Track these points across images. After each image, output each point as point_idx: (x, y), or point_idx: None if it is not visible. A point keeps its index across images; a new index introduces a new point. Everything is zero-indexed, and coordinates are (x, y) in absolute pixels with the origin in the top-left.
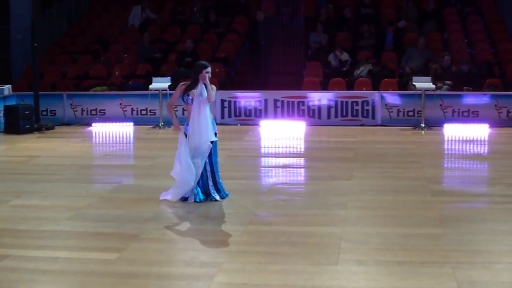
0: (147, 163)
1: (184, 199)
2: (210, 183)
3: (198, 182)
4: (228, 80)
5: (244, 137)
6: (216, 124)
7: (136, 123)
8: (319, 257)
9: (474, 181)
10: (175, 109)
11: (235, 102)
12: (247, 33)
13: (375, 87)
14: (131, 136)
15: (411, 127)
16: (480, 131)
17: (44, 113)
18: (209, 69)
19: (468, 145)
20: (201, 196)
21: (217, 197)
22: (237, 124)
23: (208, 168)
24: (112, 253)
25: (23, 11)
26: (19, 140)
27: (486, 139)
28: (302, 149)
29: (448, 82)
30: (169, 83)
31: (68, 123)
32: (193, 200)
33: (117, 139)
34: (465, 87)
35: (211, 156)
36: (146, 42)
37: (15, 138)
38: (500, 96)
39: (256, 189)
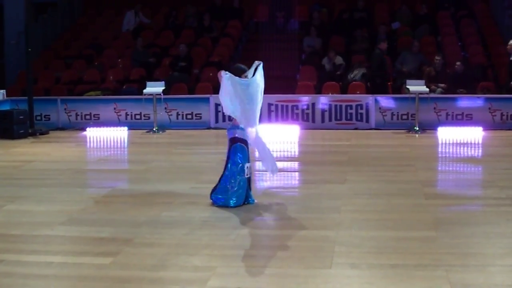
0: (141, 168)
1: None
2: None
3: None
4: None
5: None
6: (211, 128)
7: (130, 127)
8: (313, 260)
9: (467, 184)
10: (169, 113)
11: None
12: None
13: (369, 90)
14: (125, 141)
15: (405, 130)
16: (474, 134)
17: (39, 118)
18: (247, 73)
19: (461, 148)
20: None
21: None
22: None
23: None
24: (106, 258)
25: (17, 16)
26: (14, 145)
27: (480, 142)
28: (296, 153)
29: (442, 85)
30: (163, 88)
31: (62, 128)
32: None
33: (111, 144)
34: (459, 90)
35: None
36: (140, 47)
37: (9, 143)
38: (493, 99)
39: None
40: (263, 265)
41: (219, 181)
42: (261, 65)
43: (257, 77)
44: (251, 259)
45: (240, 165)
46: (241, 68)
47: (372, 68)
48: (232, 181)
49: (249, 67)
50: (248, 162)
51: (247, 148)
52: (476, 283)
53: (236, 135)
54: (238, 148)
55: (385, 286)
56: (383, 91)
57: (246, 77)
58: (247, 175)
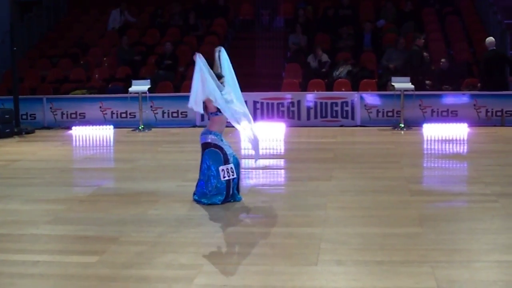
0: (127, 166)
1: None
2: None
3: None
4: None
5: (224, 139)
6: (197, 126)
7: (116, 126)
8: (298, 258)
9: (453, 180)
10: (155, 111)
11: None
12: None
13: (354, 88)
14: (111, 139)
15: (390, 127)
16: (459, 130)
17: (24, 117)
18: (223, 79)
19: (447, 144)
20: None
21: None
22: None
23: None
24: (92, 256)
25: (2, 15)
26: None
27: (465, 138)
28: (282, 150)
29: (427, 82)
30: (149, 86)
31: (48, 127)
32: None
33: (97, 142)
34: (444, 86)
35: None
36: (125, 45)
37: None
38: (478, 95)
39: None
40: (249, 263)
41: (196, 186)
42: (223, 50)
43: (228, 75)
44: (237, 256)
45: (214, 170)
46: (216, 73)
47: (413, 66)
48: (209, 185)
49: (216, 58)
50: (225, 164)
51: (221, 151)
52: (461, 279)
53: (209, 140)
54: (211, 153)
55: (371, 282)
56: (423, 88)
57: (222, 83)
58: (223, 177)
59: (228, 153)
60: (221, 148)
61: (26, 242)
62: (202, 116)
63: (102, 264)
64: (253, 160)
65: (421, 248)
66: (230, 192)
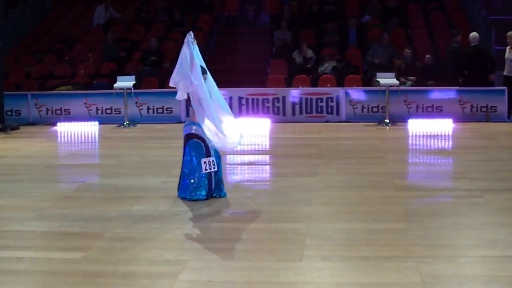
0: (112, 162)
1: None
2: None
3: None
4: None
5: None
6: (182, 122)
7: (101, 122)
8: (283, 253)
9: (438, 176)
10: (140, 107)
11: None
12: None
13: (340, 83)
14: (96, 135)
15: (376, 123)
16: (444, 126)
17: (9, 113)
18: (206, 75)
19: (432, 140)
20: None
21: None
22: None
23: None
24: (76, 253)
25: None
26: None
27: (450, 134)
28: (267, 146)
29: (412, 77)
30: (134, 82)
31: (33, 123)
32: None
33: (82, 139)
34: (429, 82)
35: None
36: (110, 41)
37: None
38: (463, 91)
39: None
40: (234, 259)
41: (179, 179)
42: (192, 36)
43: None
44: (222, 252)
45: (196, 161)
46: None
47: (448, 62)
48: (191, 177)
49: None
50: (207, 156)
51: (204, 143)
52: (446, 274)
53: (193, 131)
54: (193, 144)
55: (356, 278)
56: (468, 84)
57: (205, 79)
58: (205, 170)
59: (210, 145)
60: (203, 140)
61: (10, 239)
62: (187, 112)
63: (87, 260)
64: (239, 156)
65: (406, 244)
66: (213, 185)
